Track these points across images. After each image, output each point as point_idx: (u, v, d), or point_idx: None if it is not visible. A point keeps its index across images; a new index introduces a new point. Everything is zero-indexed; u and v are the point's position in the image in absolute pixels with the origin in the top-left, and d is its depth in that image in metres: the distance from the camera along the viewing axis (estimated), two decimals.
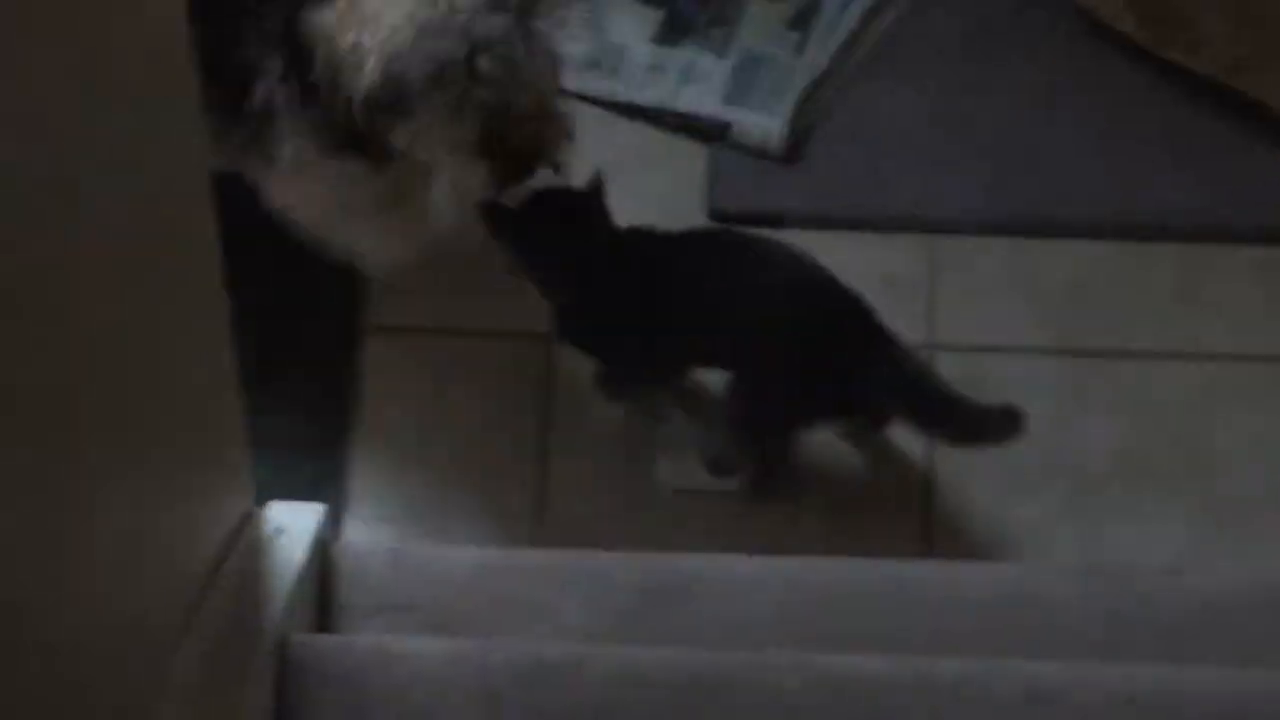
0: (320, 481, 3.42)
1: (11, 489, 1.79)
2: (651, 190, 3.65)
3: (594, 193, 3.07)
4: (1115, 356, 3.58)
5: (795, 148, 3.66)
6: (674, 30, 3.77)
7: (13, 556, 1.88)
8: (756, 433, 3.23)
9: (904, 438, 3.49)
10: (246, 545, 2.79)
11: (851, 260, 3.49)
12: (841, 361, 3.03)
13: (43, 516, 1.95)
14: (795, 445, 3.22)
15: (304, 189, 3.09)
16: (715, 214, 3.60)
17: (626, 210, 3.44)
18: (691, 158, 3.73)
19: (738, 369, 3.12)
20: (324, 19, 2.89)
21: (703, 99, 3.69)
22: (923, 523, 3.49)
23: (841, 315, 3.07)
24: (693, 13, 3.79)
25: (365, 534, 3.38)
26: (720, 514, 3.36)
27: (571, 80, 3.59)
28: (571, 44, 3.61)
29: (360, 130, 2.89)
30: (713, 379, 3.30)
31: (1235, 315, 3.60)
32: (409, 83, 2.82)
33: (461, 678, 2.71)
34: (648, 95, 3.72)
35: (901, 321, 3.45)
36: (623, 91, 3.76)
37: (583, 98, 3.71)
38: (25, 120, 1.68)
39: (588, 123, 3.59)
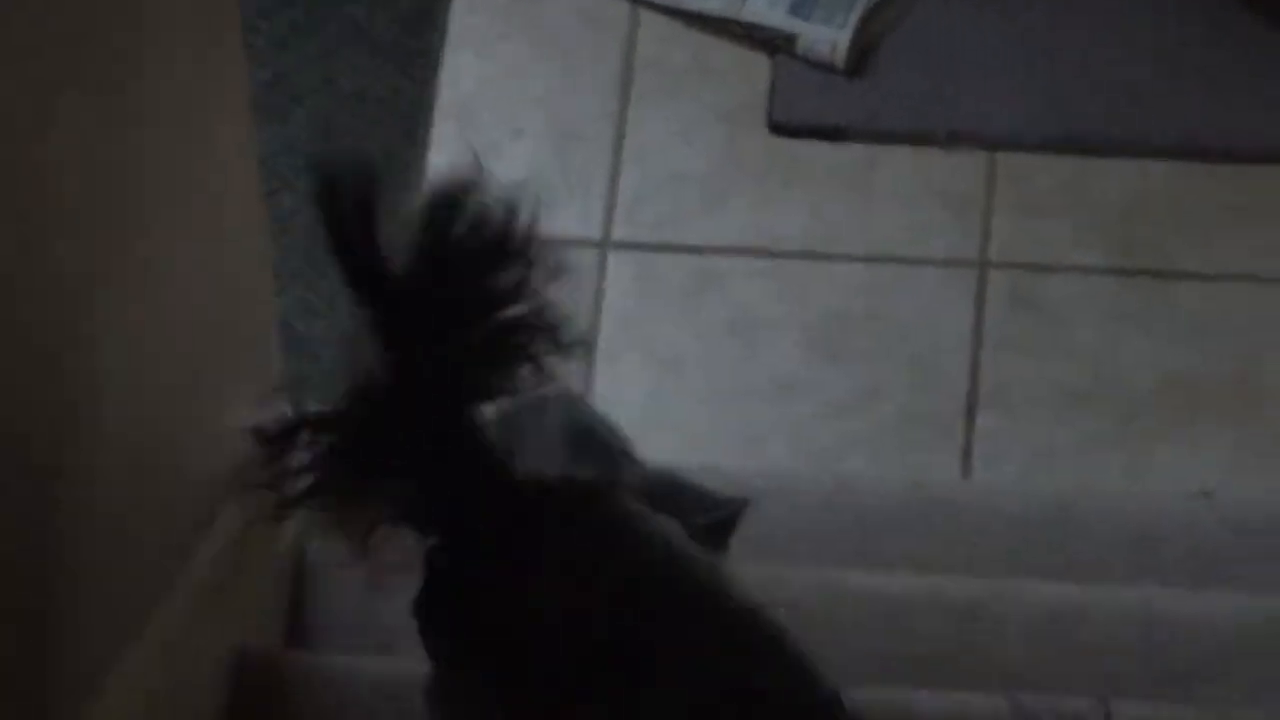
0: None
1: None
2: (714, 101, 3.77)
3: None
4: (1168, 278, 3.61)
5: (859, 60, 3.71)
6: None
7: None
8: None
9: (947, 357, 3.54)
10: None
11: (911, 174, 3.66)
12: None
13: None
14: None
15: None
16: (775, 126, 3.67)
17: (688, 119, 3.69)
18: (755, 69, 3.81)
19: None
20: None
21: (769, 9, 3.75)
22: (964, 444, 3.50)
23: None
24: None
25: None
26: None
27: None
28: None
29: None
30: None
31: None
32: None
33: None
34: (713, 4, 3.78)
35: (955, 236, 3.63)
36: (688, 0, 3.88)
37: (649, 5, 3.81)
38: None
39: (654, 30, 3.80)
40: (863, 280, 3.68)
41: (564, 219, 3.64)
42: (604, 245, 3.69)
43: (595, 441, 2.73)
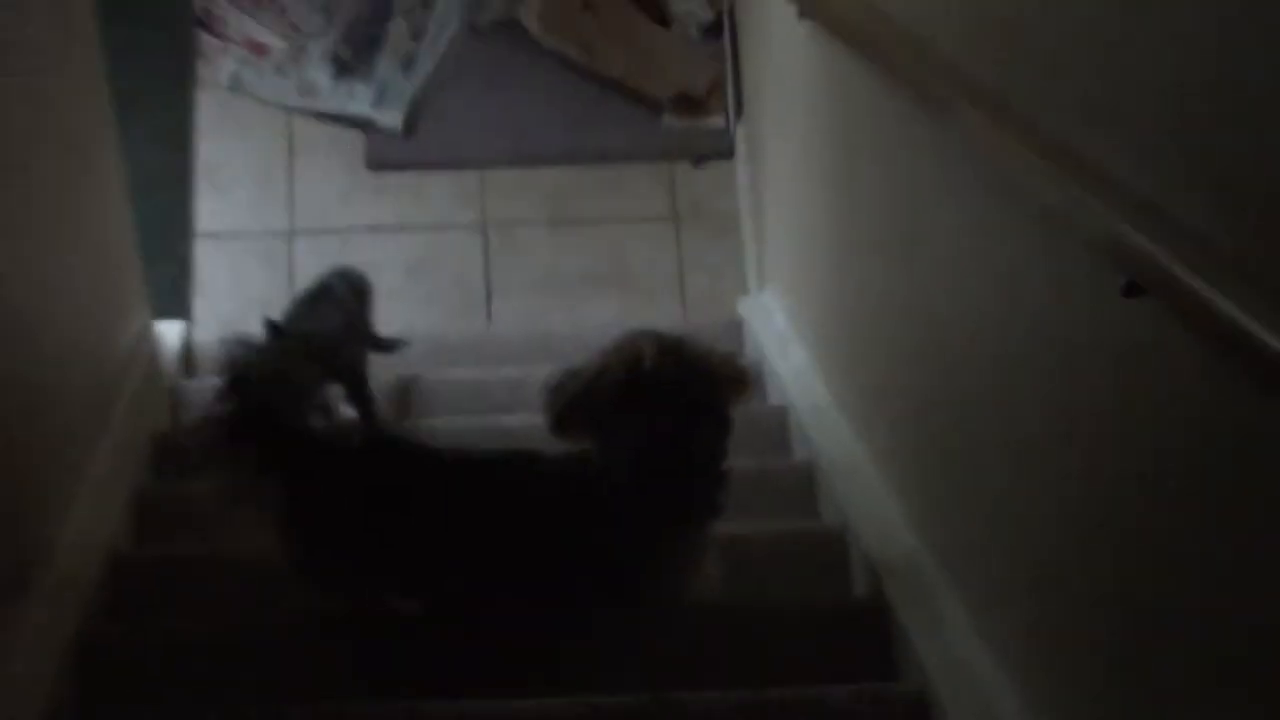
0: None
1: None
2: (335, 154, 5.67)
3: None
4: (574, 224, 5.59)
5: (410, 128, 5.65)
6: (341, 72, 5.73)
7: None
8: None
9: (473, 274, 5.39)
10: (146, 345, 4.24)
11: (441, 185, 5.53)
12: None
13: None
14: None
15: None
16: (370, 164, 5.56)
17: (327, 163, 5.43)
18: (351, 137, 5.71)
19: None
20: None
21: (360, 105, 5.70)
22: (485, 313, 5.45)
23: None
24: (352, 65, 5.75)
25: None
26: None
27: (285, 100, 5.40)
28: (283, 79, 5.49)
29: None
30: None
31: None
32: None
33: None
34: (330, 105, 5.68)
35: (469, 213, 5.44)
36: (315, 104, 5.68)
37: (289, 108, 5.56)
38: None
39: (300, 121, 5.52)
40: (422, 240, 5.56)
41: (261, 219, 5.52)
42: (290, 234, 5.52)
43: (333, 304, 3.90)
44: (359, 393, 4.06)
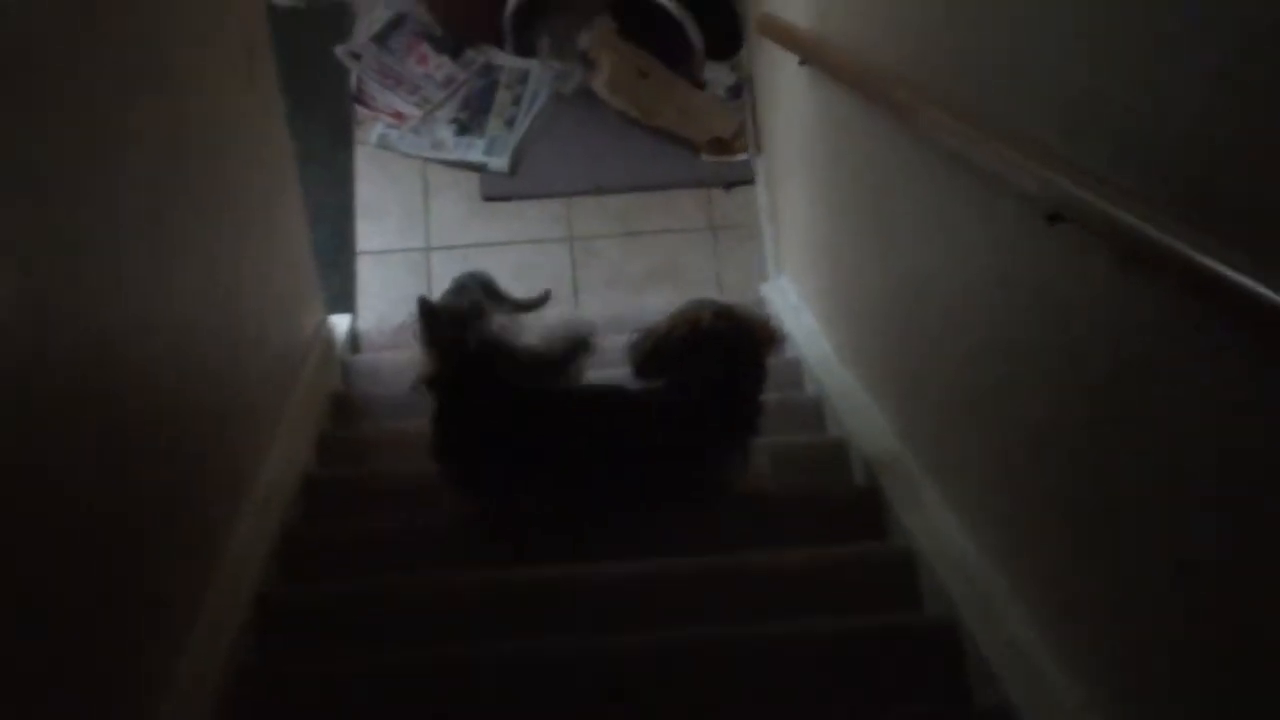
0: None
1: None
2: (458, 190, 5.65)
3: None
4: (631, 234, 5.67)
5: (514, 168, 5.67)
6: (461, 131, 5.75)
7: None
8: None
9: (561, 275, 5.59)
10: (324, 331, 4.42)
11: (536, 210, 5.51)
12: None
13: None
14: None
15: None
16: (485, 196, 5.56)
17: (452, 197, 5.46)
18: (469, 178, 5.72)
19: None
20: None
21: (476, 155, 5.72)
22: (573, 303, 5.57)
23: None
24: (469, 125, 5.77)
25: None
26: None
27: (420, 152, 5.48)
28: (419, 138, 5.55)
29: None
30: None
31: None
32: None
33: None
34: (454, 155, 5.72)
35: (558, 230, 5.44)
36: (443, 155, 5.70)
37: (423, 159, 5.61)
38: None
39: (432, 168, 5.57)
40: (524, 252, 5.53)
41: (405, 239, 5.51)
42: (427, 249, 5.53)
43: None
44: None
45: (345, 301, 5.24)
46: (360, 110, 5.88)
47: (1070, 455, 2.06)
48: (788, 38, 4.08)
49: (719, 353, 2.94)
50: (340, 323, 4.65)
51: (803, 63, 3.88)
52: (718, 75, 5.94)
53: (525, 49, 5.97)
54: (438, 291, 3.77)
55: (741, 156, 5.78)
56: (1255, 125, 1.45)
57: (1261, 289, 1.37)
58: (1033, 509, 2.27)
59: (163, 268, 2.36)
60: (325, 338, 4.29)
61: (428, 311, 2.95)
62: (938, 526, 2.75)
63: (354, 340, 4.78)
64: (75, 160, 1.94)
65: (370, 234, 5.61)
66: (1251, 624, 1.56)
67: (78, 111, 1.97)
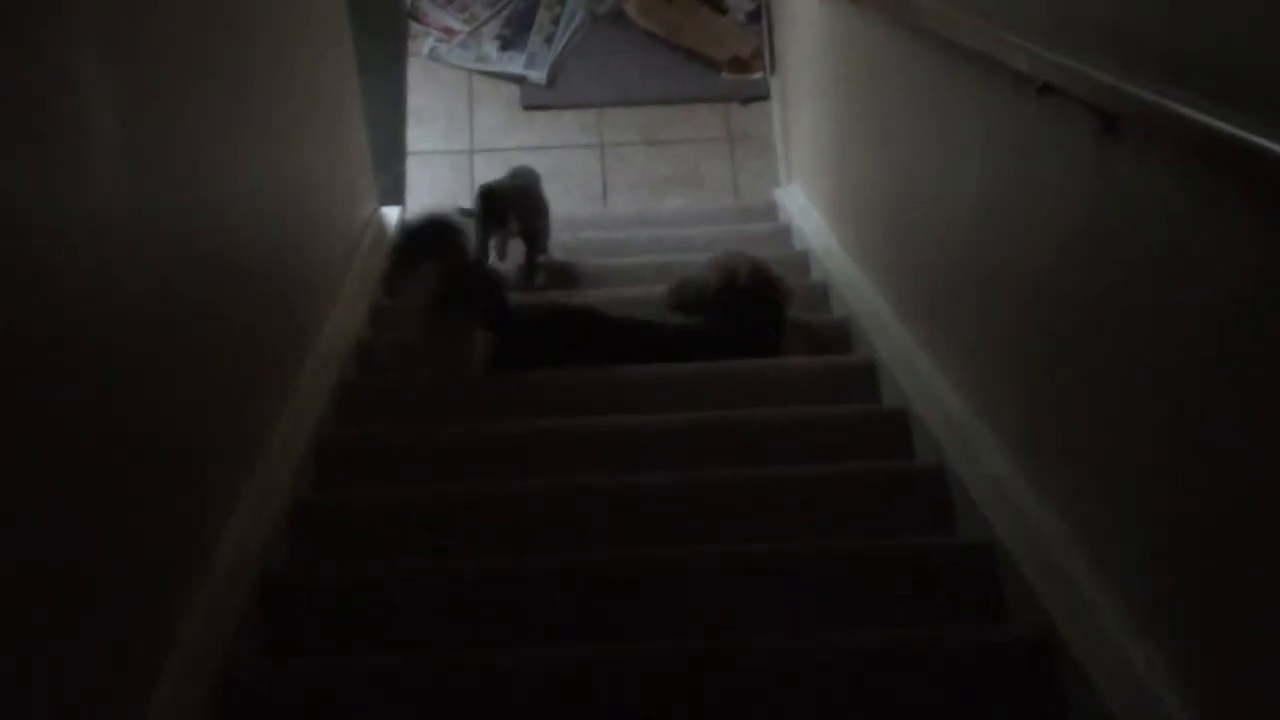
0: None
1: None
2: (499, 99, 5.66)
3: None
4: (639, 144, 5.72)
5: (552, 80, 5.66)
6: (505, 46, 5.74)
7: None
8: None
9: (593, 179, 5.60)
10: (377, 218, 4.44)
11: (572, 119, 5.48)
12: None
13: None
14: None
15: None
16: (526, 106, 5.57)
17: (494, 106, 5.46)
18: (510, 88, 5.72)
19: None
20: None
21: (515, 66, 5.72)
22: (602, 200, 5.69)
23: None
24: (511, 41, 5.76)
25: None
26: None
27: (466, 64, 5.47)
28: (466, 51, 5.59)
29: None
30: None
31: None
32: None
33: None
34: (497, 67, 5.72)
35: (589, 136, 5.39)
36: (487, 67, 5.71)
37: (469, 70, 5.62)
38: None
39: (469, 78, 5.56)
40: (559, 155, 5.50)
41: (450, 143, 5.52)
42: (470, 152, 5.54)
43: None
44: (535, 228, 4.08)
45: (395, 196, 5.22)
46: (414, 25, 5.85)
47: (1045, 306, 2.06)
48: None
49: (748, 301, 3.28)
50: (391, 213, 4.64)
51: None
52: (739, 1, 5.87)
53: None
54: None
55: (758, 75, 5.72)
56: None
57: (1224, 125, 1.36)
58: (1013, 362, 2.27)
59: (248, 155, 2.43)
60: (379, 223, 4.32)
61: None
62: (932, 389, 2.75)
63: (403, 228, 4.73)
64: (180, 72, 2.04)
65: (419, 137, 5.58)
66: (1208, 446, 1.56)
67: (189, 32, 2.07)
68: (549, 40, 5.80)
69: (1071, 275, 1.94)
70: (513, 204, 3.74)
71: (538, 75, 5.72)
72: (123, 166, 1.72)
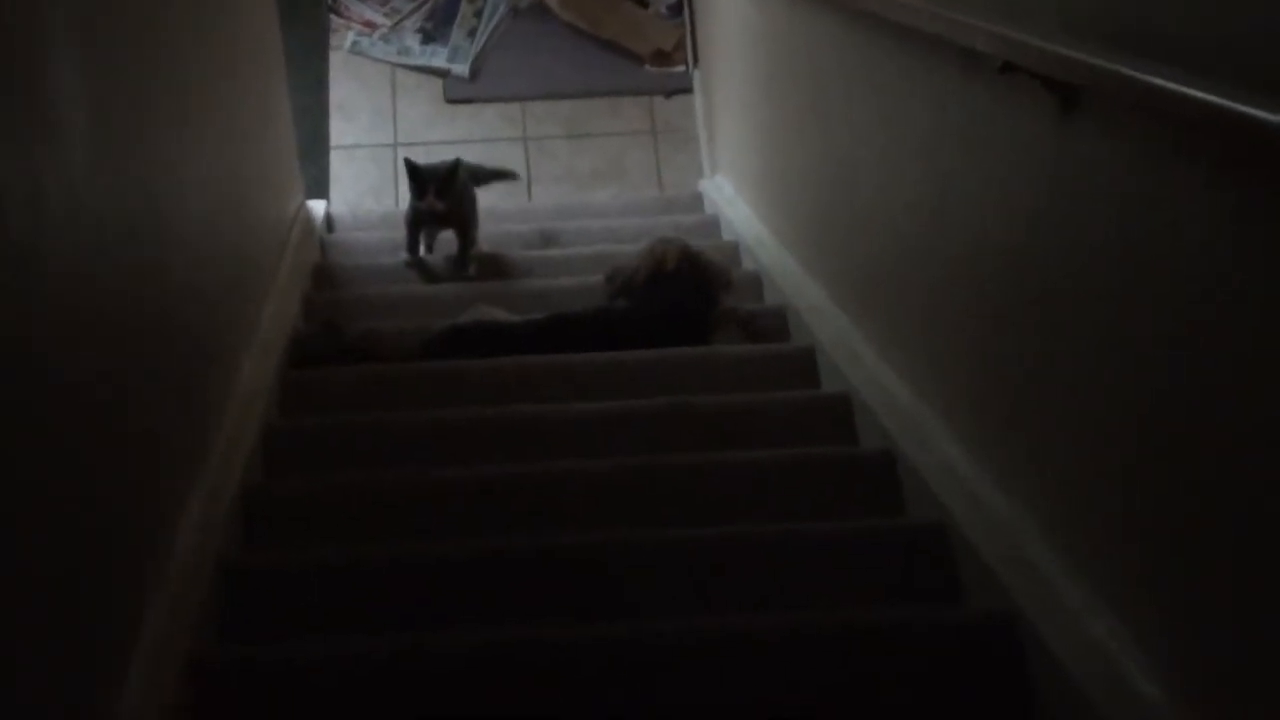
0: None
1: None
2: (422, 93, 5.64)
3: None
4: (568, 138, 5.79)
5: (474, 75, 5.63)
6: (427, 40, 5.69)
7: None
8: None
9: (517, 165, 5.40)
10: (304, 212, 4.34)
11: (495, 113, 5.48)
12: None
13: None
14: None
15: None
16: (448, 99, 5.54)
17: (419, 100, 5.43)
18: (434, 82, 5.68)
19: None
20: None
21: (438, 60, 5.69)
22: (528, 190, 5.73)
23: None
24: (433, 34, 5.72)
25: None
26: None
27: (388, 58, 5.49)
28: (387, 45, 5.57)
29: None
30: None
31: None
32: None
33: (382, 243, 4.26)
34: (419, 61, 5.69)
35: (510, 131, 5.44)
36: (409, 61, 5.70)
37: (391, 64, 5.61)
38: None
39: (392, 72, 5.57)
40: (482, 150, 5.37)
41: (374, 136, 5.51)
42: (395, 145, 5.50)
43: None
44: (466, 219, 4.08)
45: (320, 190, 5.18)
46: (334, 19, 5.79)
47: (1000, 289, 2.06)
48: None
49: (677, 287, 3.31)
50: (317, 207, 4.62)
51: None
52: None
53: None
54: (401, 182, 3.86)
55: (681, 68, 5.70)
56: None
57: (1189, 90, 1.37)
58: (955, 345, 2.28)
59: (190, 148, 2.44)
60: (305, 216, 4.29)
61: None
62: (875, 377, 2.75)
63: (329, 222, 4.77)
64: (137, 68, 2.05)
65: (343, 131, 5.53)
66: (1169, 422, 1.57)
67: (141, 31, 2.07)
68: (471, 34, 5.76)
69: (1029, 257, 1.94)
70: (433, 179, 3.77)
71: (461, 69, 5.69)
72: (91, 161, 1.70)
